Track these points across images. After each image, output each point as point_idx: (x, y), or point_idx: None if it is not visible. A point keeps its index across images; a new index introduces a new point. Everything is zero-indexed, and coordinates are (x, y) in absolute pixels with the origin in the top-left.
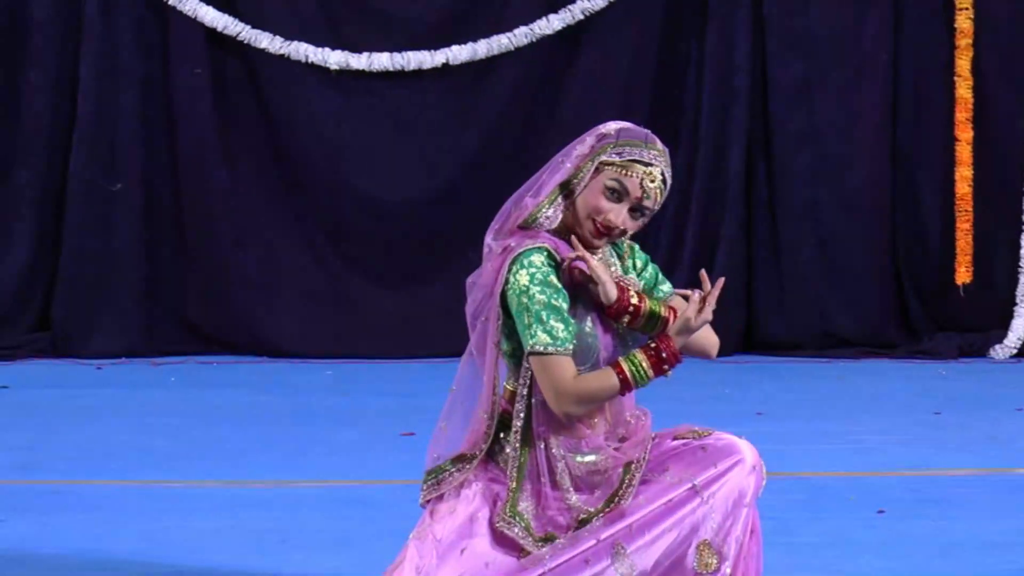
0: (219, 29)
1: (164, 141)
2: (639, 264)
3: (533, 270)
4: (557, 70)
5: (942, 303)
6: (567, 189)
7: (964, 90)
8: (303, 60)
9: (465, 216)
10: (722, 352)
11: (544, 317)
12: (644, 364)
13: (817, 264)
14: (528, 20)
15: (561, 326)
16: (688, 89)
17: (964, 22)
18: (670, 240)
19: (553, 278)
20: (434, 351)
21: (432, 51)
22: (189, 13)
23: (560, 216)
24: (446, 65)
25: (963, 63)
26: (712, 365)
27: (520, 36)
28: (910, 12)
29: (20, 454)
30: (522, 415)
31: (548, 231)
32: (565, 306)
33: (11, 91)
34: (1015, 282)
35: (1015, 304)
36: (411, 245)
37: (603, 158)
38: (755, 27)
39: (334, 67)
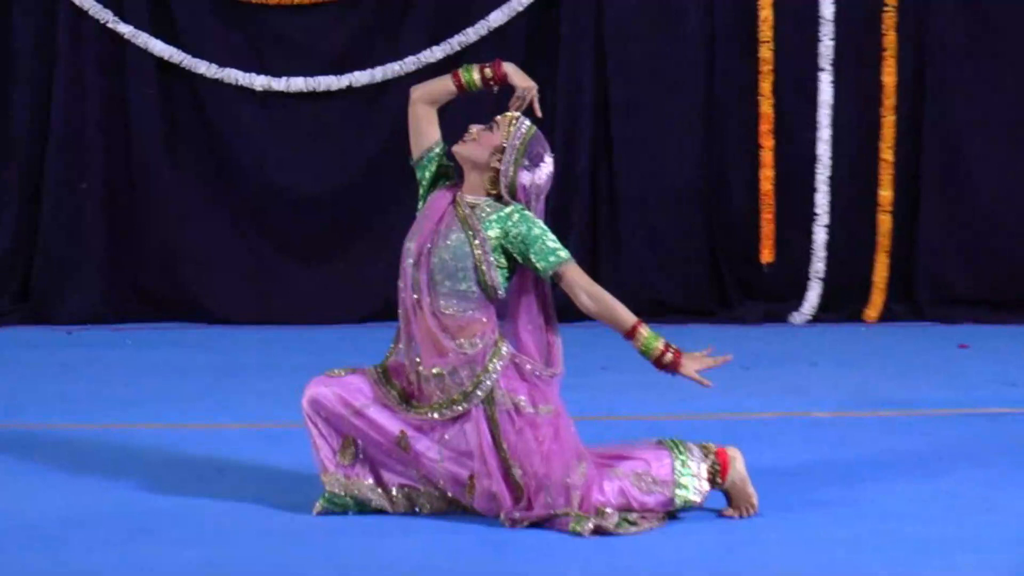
0: (166, 58)
1: (122, 147)
2: (503, 231)
3: None
4: None
5: (751, 278)
6: None
7: (766, 107)
8: (234, 83)
9: (366, 207)
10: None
11: None
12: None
13: (647, 247)
14: (416, 51)
15: None
16: (544, 104)
17: (766, 52)
18: None
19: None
20: (340, 318)
21: (338, 75)
22: (141, 45)
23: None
24: (350, 87)
25: (765, 85)
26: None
27: (409, 64)
28: (721, 48)
29: (2, 402)
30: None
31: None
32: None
33: None
34: (808, 261)
35: (808, 279)
36: (322, 230)
37: None
38: (597, 55)
39: (259, 88)
